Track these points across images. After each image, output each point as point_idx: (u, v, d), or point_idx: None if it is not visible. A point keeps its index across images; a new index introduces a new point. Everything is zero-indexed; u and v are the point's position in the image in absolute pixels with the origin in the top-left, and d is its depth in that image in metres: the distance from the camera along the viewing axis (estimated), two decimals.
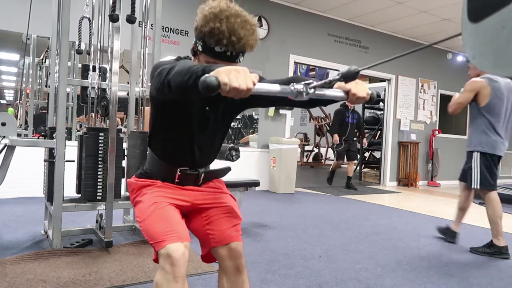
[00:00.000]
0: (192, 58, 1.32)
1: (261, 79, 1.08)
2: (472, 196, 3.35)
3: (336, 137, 6.42)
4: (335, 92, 1.07)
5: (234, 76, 0.90)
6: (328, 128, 10.47)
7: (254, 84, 0.92)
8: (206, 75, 0.90)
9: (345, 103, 6.20)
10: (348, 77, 0.98)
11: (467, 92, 3.13)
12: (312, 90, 0.99)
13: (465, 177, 3.30)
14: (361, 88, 1.07)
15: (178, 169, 1.37)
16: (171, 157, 1.38)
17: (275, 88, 0.97)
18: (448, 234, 3.48)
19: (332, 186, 7.03)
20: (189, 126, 1.34)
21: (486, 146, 3.10)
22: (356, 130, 6.64)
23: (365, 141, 7.01)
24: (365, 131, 8.83)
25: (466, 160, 3.28)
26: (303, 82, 0.98)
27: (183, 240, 1.20)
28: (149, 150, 1.44)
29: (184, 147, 1.37)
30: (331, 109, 10.91)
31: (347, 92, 1.07)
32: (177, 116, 1.33)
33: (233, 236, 1.34)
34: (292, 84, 0.98)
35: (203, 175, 1.41)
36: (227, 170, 1.55)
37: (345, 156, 6.56)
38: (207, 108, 1.35)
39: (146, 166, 1.44)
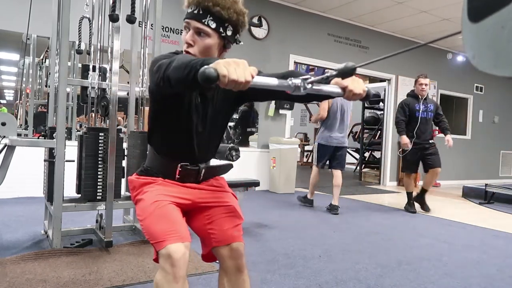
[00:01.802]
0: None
1: (259, 73, 1.08)
2: (318, 172, 4.78)
3: (404, 139, 4.63)
4: (332, 88, 1.08)
5: (233, 68, 0.91)
6: None
7: (253, 77, 0.93)
8: (205, 66, 0.90)
9: (414, 91, 4.82)
10: (344, 73, 0.99)
11: (324, 106, 4.57)
12: (310, 85, 1.00)
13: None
14: (357, 85, 1.09)
15: (179, 165, 1.35)
16: (170, 152, 1.37)
17: (273, 81, 0.99)
18: (306, 202, 4.86)
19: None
20: (187, 119, 1.33)
21: (323, 139, 4.56)
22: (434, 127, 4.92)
23: (449, 139, 4.67)
24: (365, 131, 8.86)
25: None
26: (301, 77, 1.00)
27: (183, 240, 1.20)
28: (149, 146, 1.43)
29: (183, 141, 1.35)
30: None
31: (344, 89, 1.09)
32: (175, 109, 1.32)
33: (235, 236, 1.34)
34: (290, 78, 1.00)
35: (204, 170, 1.39)
36: (229, 166, 1.53)
37: (417, 165, 4.87)
38: (199, 99, 1.33)
39: (146, 163, 1.42)
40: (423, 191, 4.94)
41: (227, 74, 0.90)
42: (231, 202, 1.41)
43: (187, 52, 1.29)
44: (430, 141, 4.77)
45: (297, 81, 0.99)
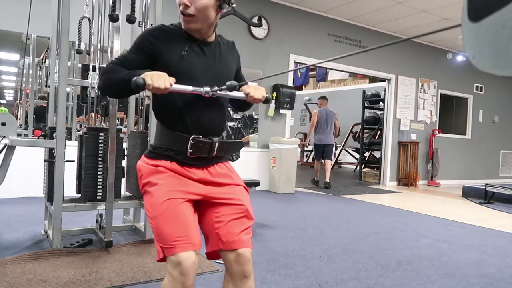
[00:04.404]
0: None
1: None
2: (319, 163, 6.92)
3: None
4: (237, 93, 1.35)
5: (156, 79, 1.18)
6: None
7: (171, 85, 1.21)
8: (136, 77, 1.19)
9: None
10: (230, 88, 1.28)
11: (314, 117, 6.87)
12: (215, 92, 1.30)
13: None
14: (257, 92, 1.36)
15: (191, 138, 1.30)
16: (180, 122, 1.32)
17: (188, 88, 1.28)
18: (316, 183, 6.85)
19: (332, 185, 7.02)
20: (188, 77, 1.31)
21: (316, 140, 6.77)
22: None
23: None
24: (365, 130, 8.87)
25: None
26: (209, 86, 1.29)
27: (195, 248, 1.18)
28: (158, 123, 1.38)
29: (190, 105, 1.32)
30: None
31: (246, 94, 1.35)
32: (171, 71, 1.28)
33: (243, 241, 1.30)
34: (203, 86, 1.29)
35: (217, 144, 1.34)
36: (240, 144, 1.50)
37: None
38: (185, 52, 1.33)
39: (155, 141, 1.38)
40: None
41: (151, 83, 1.17)
42: (244, 201, 1.36)
43: (183, 13, 1.29)
44: None
45: (207, 88, 1.29)
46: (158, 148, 1.35)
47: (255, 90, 1.36)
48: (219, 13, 1.36)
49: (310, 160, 11.17)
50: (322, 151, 6.73)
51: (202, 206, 1.35)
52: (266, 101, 1.40)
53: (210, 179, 1.35)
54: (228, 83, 1.28)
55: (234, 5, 1.40)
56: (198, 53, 1.36)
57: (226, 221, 1.30)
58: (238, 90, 1.34)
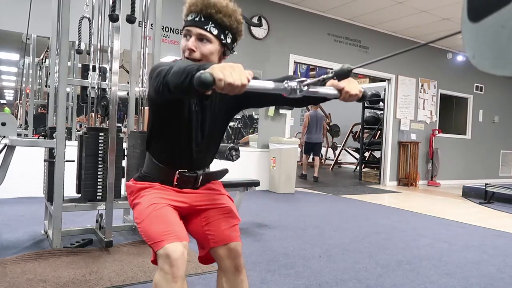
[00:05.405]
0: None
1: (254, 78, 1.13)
2: (307, 158, 7.77)
3: None
4: (328, 90, 1.08)
5: (229, 72, 0.90)
6: (328, 128, 10.44)
7: (249, 81, 0.93)
8: (201, 71, 0.89)
9: None
10: (340, 75, 0.98)
11: (305, 119, 7.55)
12: (306, 87, 1.00)
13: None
14: (353, 86, 1.10)
15: (177, 172, 1.37)
16: (169, 159, 1.39)
17: (269, 85, 0.98)
18: (303, 177, 7.59)
19: (332, 185, 7.02)
20: (186, 127, 1.35)
21: (307, 139, 7.47)
22: None
23: None
24: (365, 130, 8.87)
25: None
26: (296, 80, 0.99)
27: (181, 240, 1.20)
28: (147, 153, 1.44)
29: (181, 149, 1.37)
30: (331, 108, 10.92)
31: (340, 90, 1.09)
32: (174, 117, 1.34)
33: (232, 236, 1.35)
34: (286, 81, 0.99)
35: (201, 177, 1.42)
36: (225, 172, 1.56)
37: None
38: (197, 108, 1.35)
39: (144, 169, 1.44)
40: None
41: (223, 77, 0.89)
42: (227, 204, 1.43)
43: (189, 59, 1.30)
44: None
45: (293, 83, 0.98)
46: (146, 176, 1.41)
47: (350, 83, 1.10)
48: (223, 59, 1.38)
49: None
50: (312, 148, 7.59)
51: (189, 216, 1.42)
52: (363, 97, 1.13)
53: (196, 191, 1.43)
54: (337, 68, 0.99)
55: (235, 52, 1.40)
56: (197, 107, 1.36)
57: (213, 221, 1.38)
58: (325, 84, 1.09)
